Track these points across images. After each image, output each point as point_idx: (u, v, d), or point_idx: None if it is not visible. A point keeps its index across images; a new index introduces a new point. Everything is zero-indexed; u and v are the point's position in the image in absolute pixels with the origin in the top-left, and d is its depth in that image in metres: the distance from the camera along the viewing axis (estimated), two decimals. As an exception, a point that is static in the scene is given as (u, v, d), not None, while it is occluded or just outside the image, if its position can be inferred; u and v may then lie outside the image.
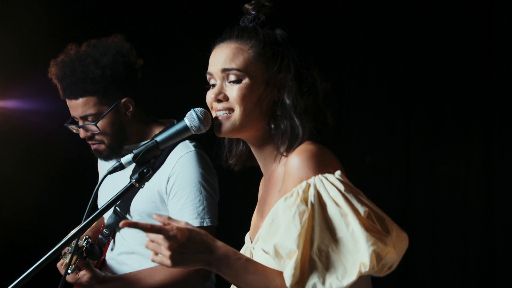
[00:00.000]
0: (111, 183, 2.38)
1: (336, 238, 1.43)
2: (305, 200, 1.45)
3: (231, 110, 1.57)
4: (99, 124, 2.35)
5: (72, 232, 1.53)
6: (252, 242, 1.68)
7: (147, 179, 1.56)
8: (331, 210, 1.44)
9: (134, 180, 1.54)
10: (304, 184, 1.46)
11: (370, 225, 1.43)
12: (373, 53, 3.84)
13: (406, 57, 3.78)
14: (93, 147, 2.43)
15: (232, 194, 3.62)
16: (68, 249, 2.34)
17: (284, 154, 1.56)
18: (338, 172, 1.48)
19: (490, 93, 3.58)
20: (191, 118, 1.56)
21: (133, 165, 1.57)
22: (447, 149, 3.71)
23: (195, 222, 2.31)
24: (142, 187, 1.56)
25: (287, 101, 1.57)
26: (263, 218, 1.61)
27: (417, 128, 3.76)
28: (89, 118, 2.35)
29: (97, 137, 2.39)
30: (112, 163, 1.59)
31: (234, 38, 1.60)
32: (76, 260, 2.23)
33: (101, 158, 2.48)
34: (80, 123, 2.38)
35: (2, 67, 3.61)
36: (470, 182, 3.64)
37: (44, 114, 3.76)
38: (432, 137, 3.73)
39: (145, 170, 1.54)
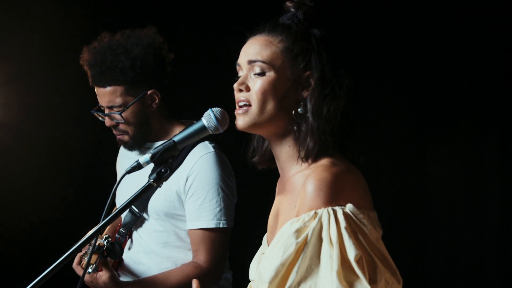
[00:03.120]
0: (129, 181, 2.39)
1: (320, 276, 1.41)
2: (301, 232, 1.43)
3: (249, 104, 1.56)
4: (124, 114, 2.38)
5: (90, 232, 1.53)
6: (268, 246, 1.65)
7: (165, 179, 1.55)
8: (324, 247, 1.42)
9: (152, 180, 1.54)
10: (312, 213, 1.43)
11: (349, 275, 1.39)
12: (383, 51, 3.81)
13: (422, 52, 3.75)
14: (117, 137, 2.47)
15: (250, 196, 3.61)
16: (88, 249, 2.35)
17: (304, 160, 1.54)
18: (349, 206, 1.44)
19: (508, 92, 3.55)
20: (208, 118, 1.56)
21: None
22: (462, 146, 3.67)
23: (211, 223, 2.32)
24: (160, 187, 1.56)
25: (308, 103, 1.54)
26: (277, 223, 1.61)
27: (432, 126, 3.73)
28: (115, 108, 2.38)
29: (121, 126, 2.42)
30: (131, 162, 1.58)
31: (266, 31, 1.59)
32: (97, 259, 2.23)
33: (125, 147, 2.52)
34: (106, 111, 2.41)
35: (3, 66, 3.62)
36: (486, 180, 3.61)
37: (65, 117, 3.76)
38: (448, 134, 3.71)
39: (163, 170, 1.54)
